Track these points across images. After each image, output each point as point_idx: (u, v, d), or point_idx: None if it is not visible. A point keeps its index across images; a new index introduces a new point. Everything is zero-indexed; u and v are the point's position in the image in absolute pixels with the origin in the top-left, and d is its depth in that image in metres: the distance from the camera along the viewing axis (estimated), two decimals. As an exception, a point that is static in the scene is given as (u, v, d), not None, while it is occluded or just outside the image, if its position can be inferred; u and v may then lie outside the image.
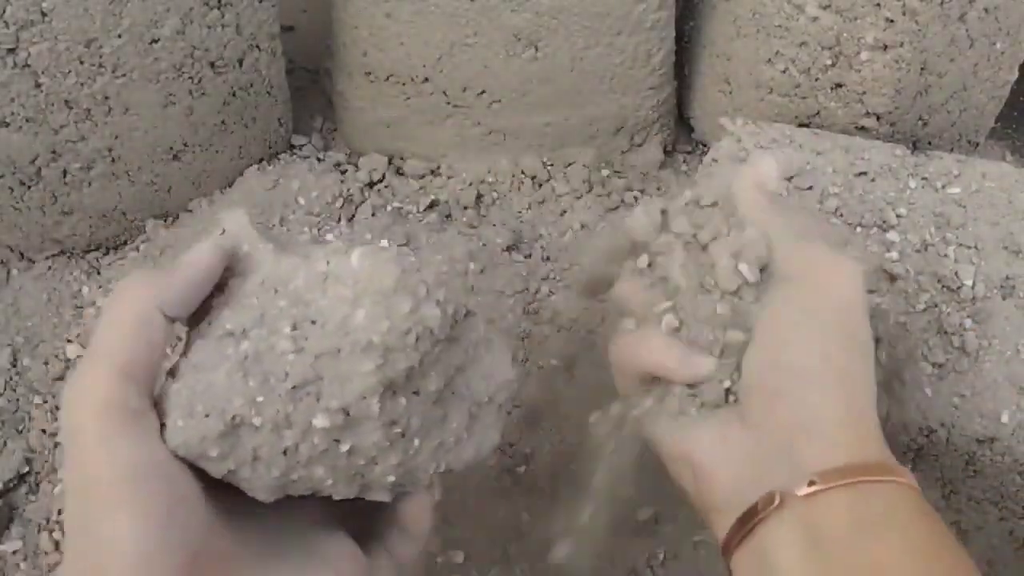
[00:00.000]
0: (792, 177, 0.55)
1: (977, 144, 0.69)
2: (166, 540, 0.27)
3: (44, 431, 0.55)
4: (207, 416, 0.29)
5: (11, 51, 0.53)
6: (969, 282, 0.51)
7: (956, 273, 0.51)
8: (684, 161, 0.77)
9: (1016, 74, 0.65)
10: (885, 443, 0.34)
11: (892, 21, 0.58)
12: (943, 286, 0.51)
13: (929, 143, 0.66)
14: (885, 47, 0.59)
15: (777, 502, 0.31)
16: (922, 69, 0.60)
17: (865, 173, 0.55)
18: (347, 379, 0.29)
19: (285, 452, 0.29)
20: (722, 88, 0.70)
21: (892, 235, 0.53)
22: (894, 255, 0.52)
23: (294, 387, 0.29)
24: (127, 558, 0.27)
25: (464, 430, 0.33)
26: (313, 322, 0.29)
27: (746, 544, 0.32)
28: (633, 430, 0.37)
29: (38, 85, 0.55)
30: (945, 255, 0.52)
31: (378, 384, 0.29)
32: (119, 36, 0.56)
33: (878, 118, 0.62)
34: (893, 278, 0.51)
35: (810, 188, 0.54)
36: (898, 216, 0.53)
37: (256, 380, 0.29)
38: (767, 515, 0.31)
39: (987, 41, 0.61)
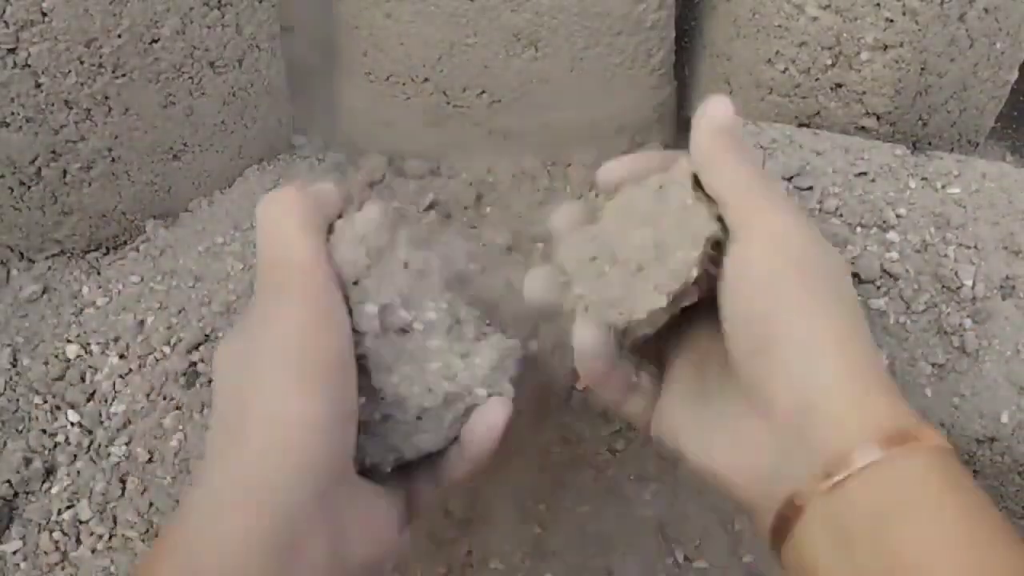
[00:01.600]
0: (792, 177, 0.55)
1: (977, 144, 0.69)
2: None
3: (44, 431, 0.55)
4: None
5: (11, 51, 0.53)
6: (969, 282, 0.51)
7: (956, 273, 0.51)
8: (684, 161, 0.77)
9: (1016, 74, 0.65)
10: (899, 395, 0.31)
11: (892, 21, 0.58)
12: (943, 286, 0.51)
13: (929, 143, 0.66)
14: (885, 47, 0.59)
15: (800, 503, 0.29)
16: (922, 69, 0.60)
17: (865, 173, 0.55)
18: None
19: None
20: (722, 88, 0.70)
21: (892, 235, 0.53)
22: (894, 255, 0.52)
23: None
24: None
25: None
26: None
27: (787, 543, 0.30)
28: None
29: (38, 85, 0.55)
30: (945, 255, 0.52)
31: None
32: (119, 36, 0.56)
33: (878, 118, 0.62)
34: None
35: (810, 188, 0.54)
36: (898, 216, 0.53)
37: None
38: (796, 517, 0.29)
39: (987, 41, 0.61)
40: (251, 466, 0.29)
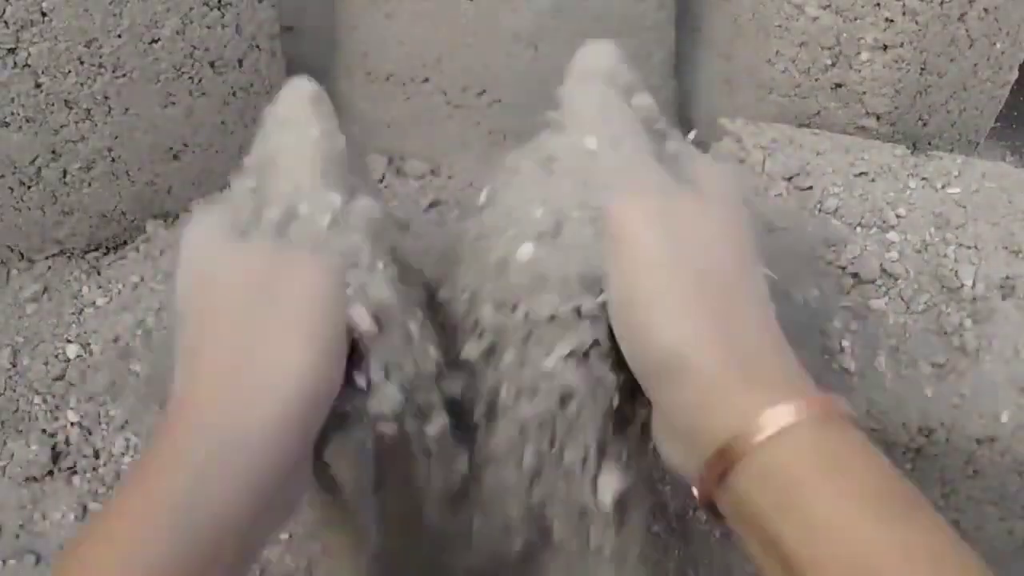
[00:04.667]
0: (792, 177, 0.55)
1: (977, 144, 0.69)
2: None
3: (44, 431, 0.55)
4: None
5: (11, 51, 0.53)
6: (969, 282, 0.51)
7: (956, 273, 0.51)
8: (684, 161, 0.77)
9: (1016, 74, 0.65)
10: (794, 366, 0.30)
11: (892, 21, 0.58)
12: (943, 286, 0.51)
13: (929, 143, 0.66)
14: (885, 47, 0.59)
15: (723, 462, 0.29)
16: (922, 69, 0.60)
17: (865, 173, 0.55)
18: None
19: None
20: (722, 88, 0.70)
21: (892, 235, 0.53)
22: (894, 255, 0.52)
23: None
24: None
25: None
26: None
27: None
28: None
29: (38, 85, 0.55)
30: (945, 255, 0.52)
31: None
32: (119, 36, 0.56)
33: (878, 118, 0.62)
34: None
35: (810, 188, 0.54)
36: (898, 216, 0.53)
37: None
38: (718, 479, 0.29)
39: (987, 41, 0.61)
40: (253, 422, 0.30)
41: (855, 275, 0.52)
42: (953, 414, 0.48)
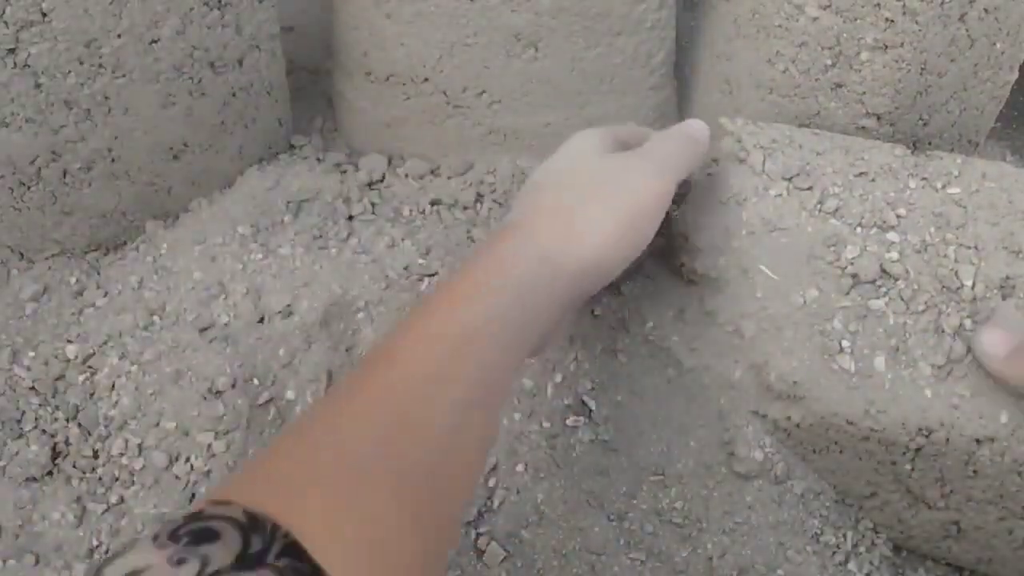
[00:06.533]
0: (792, 177, 0.55)
1: (977, 144, 0.69)
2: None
3: (44, 431, 0.55)
4: None
5: (11, 51, 0.53)
6: (969, 282, 0.51)
7: (956, 273, 0.51)
8: (684, 161, 0.77)
9: (1016, 74, 0.65)
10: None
11: (892, 21, 0.58)
12: (943, 286, 0.51)
13: (929, 143, 0.66)
14: (885, 47, 0.59)
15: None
16: (922, 69, 0.60)
17: (865, 173, 0.55)
18: None
19: None
20: (722, 88, 0.70)
21: (892, 235, 0.53)
22: (894, 255, 0.52)
23: None
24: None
25: None
26: None
27: None
28: None
29: (38, 85, 0.55)
30: (945, 255, 0.52)
31: None
32: (119, 36, 0.56)
33: (878, 118, 0.62)
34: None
35: (810, 188, 0.54)
36: (898, 216, 0.53)
37: None
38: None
39: (987, 41, 0.61)
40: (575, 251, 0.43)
41: (855, 275, 0.51)
42: (953, 414, 0.48)
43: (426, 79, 0.69)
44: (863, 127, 0.63)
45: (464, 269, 0.41)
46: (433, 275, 0.63)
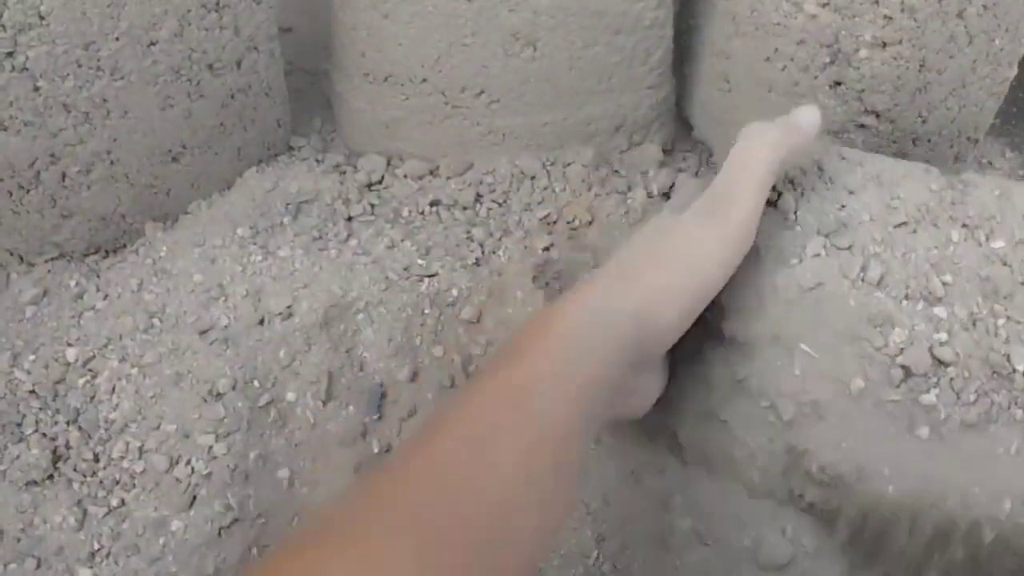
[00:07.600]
0: (829, 234, 0.47)
1: (976, 140, 0.69)
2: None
3: (44, 435, 0.55)
4: None
5: (9, 54, 0.53)
6: (1021, 367, 0.43)
7: (1008, 358, 0.43)
8: (684, 160, 0.77)
9: (1015, 70, 0.65)
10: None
11: (890, 18, 0.58)
12: (993, 372, 0.44)
13: (929, 140, 0.66)
14: (884, 44, 0.59)
15: None
16: (921, 66, 0.60)
17: (905, 224, 0.47)
18: None
19: None
20: (721, 87, 0.70)
21: (939, 310, 0.45)
22: (943, 336, 0.44)
23: None
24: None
25: None
26: None
27: None
28: None
29: (36, 88, 0.55)
30: (996, 334, 0.44)
31: None
32: (117, 39, 0.56)
33: (877, 116, 0.62)
34: None
35: (850, 248, 0.47)
36: (944, 284, 0.46)
37: None
38: None
39: (986, 38, 0.61)
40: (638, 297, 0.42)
41: (906, 368, 0.44)
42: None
43: (424, 79, 0.69)
44: (862, 125, 0.63)
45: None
46: (433, 275, 0.63)
